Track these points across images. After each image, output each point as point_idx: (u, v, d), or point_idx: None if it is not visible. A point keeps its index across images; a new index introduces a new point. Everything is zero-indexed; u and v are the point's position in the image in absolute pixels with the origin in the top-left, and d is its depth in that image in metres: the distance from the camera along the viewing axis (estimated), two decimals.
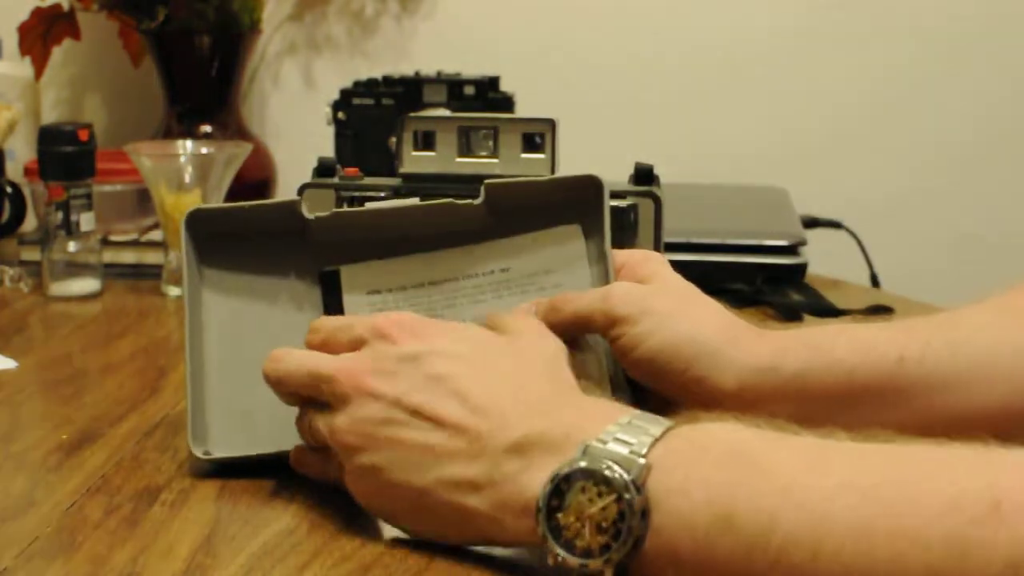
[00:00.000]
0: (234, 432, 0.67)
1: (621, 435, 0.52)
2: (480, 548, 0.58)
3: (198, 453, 0.67)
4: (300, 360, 0.63)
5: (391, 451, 0.57)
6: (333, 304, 0.70)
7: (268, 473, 0.66)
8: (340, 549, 0.58)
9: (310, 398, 0.62)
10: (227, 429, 0.68)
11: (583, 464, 0.51)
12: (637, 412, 0.54)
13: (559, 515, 0.51)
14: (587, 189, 0.70)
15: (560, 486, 0.51)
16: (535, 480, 0.53)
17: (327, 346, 0.63)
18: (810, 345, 0.67)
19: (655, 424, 0.53)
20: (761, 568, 0.47)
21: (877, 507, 0.45)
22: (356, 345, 0.61)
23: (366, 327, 0.61)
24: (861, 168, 1.53)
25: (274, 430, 0.65)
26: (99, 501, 0.64)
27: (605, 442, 0.52)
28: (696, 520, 0.49)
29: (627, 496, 0.49)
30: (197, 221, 0.70)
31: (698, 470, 0.50)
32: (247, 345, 0.69)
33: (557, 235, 0.71)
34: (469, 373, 0.58)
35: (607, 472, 0.50)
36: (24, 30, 1.36)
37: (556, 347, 0.62)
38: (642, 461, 0.50)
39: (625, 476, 0.50)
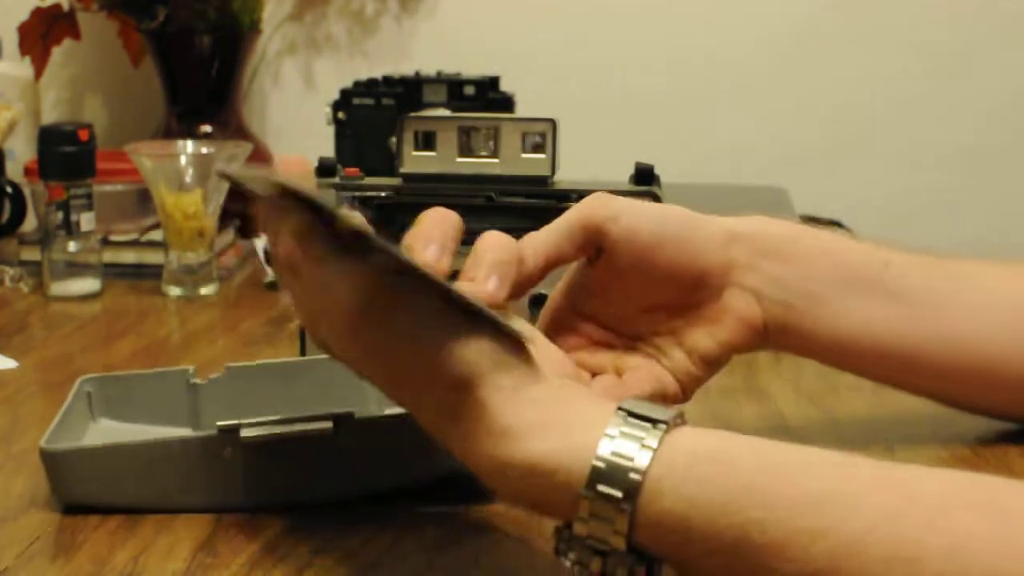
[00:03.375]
0: None
1: (607, 478, 0.48)
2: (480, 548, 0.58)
3: None
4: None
5: None
6: None
7: None
8: (340, 549, 0.58)
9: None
10: None
11: (579, 531, 0.48)
12: (619, 420, 0.49)
13: (569, 554, 0.49)
14: None
15: (563, 533, 0.50)
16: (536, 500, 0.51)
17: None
18: (793, 226, 0.68)
19: (640, 453, 0.48)
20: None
21: (895, 484, 0.47)
22: None
23: None
24: (861, 168, 1.53)
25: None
26: None
27: (594, 486, 0.47)
28: (713, 553, 0.47)
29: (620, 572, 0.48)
30: (90, 384, 0.71)
31: (699, 499, 0.47)
32: None
33: None
34: None
35: (595, 556, 0.48)
36: (24, 30, 1.36)
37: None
38: (622, 548, 0.48)
39: (619, 546, 0.48)
